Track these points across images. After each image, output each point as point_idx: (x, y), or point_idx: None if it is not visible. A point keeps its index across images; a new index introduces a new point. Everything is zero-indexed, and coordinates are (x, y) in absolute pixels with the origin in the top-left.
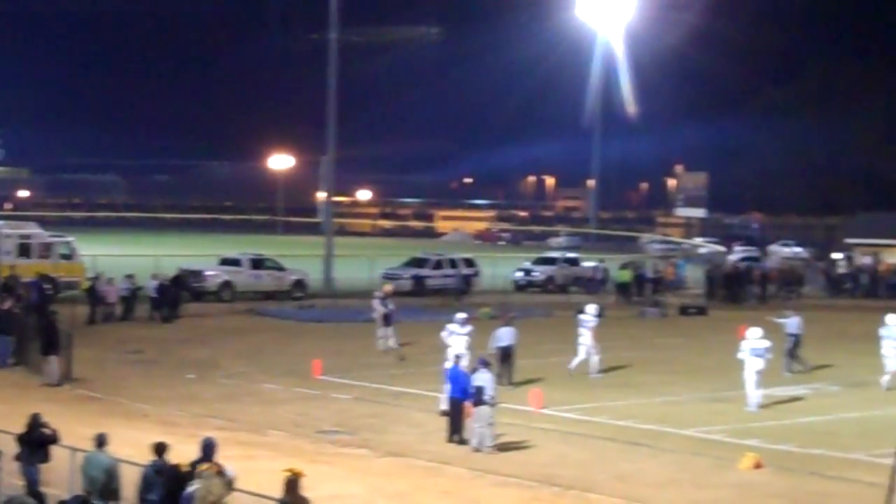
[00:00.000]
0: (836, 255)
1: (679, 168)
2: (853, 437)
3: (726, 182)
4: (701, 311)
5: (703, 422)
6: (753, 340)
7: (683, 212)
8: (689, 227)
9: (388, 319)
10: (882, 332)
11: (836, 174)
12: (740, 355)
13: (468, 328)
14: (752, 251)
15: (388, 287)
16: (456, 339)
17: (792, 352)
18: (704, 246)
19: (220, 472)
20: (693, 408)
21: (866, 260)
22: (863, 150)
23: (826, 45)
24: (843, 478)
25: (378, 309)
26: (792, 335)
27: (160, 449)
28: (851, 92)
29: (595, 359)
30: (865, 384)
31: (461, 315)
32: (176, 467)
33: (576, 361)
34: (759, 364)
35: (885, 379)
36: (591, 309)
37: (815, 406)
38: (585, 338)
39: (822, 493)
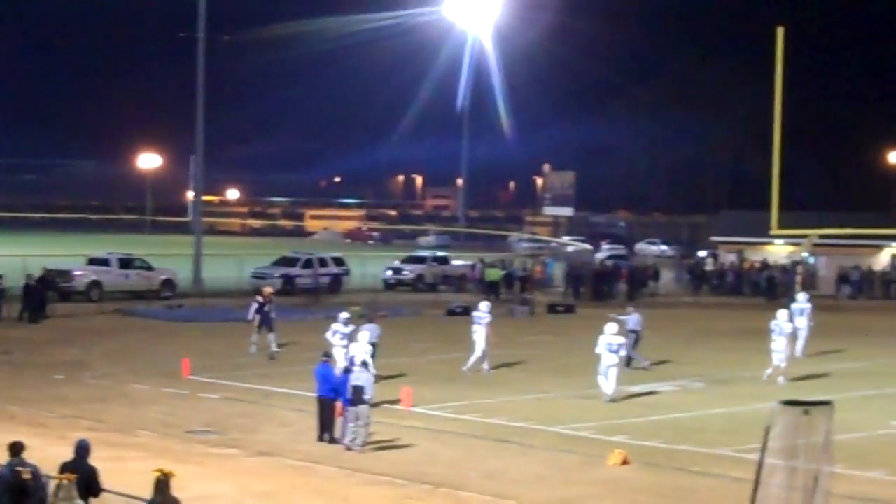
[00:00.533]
0: (701, 253)
1: (547, 167)
2: (719, 433)
3: (593, 181)
4: (569, 308)
5: (572, 419)
6: (609, 336)
7: (551, 210)
8: (557, 226)
9: (267, 324)
10: (772, 325)
11: (702, 173)
12: (597, 350)
13: (352, 328)
14: (619, 249)
15: (268, 290)
16: (363, 335)
17: (632, 348)
18: (572, 244)
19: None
20: (562, 405)
21: (731, 257)
22: (727, 148)
23: (690, 44)
24: (709, 473)
25: (254, 315)
26: (632, 332)
27: (16, 449)
28: (716, 90)
29: (479, 355)
30: (731, 380)
31: (344, 315)
32: (18, 473)
33: (472, 359)
34: (614, 359)
35: (768, 372)
36: (484, 306)
37: (681, 402)
38: (480, 335)
39: (689, 489)
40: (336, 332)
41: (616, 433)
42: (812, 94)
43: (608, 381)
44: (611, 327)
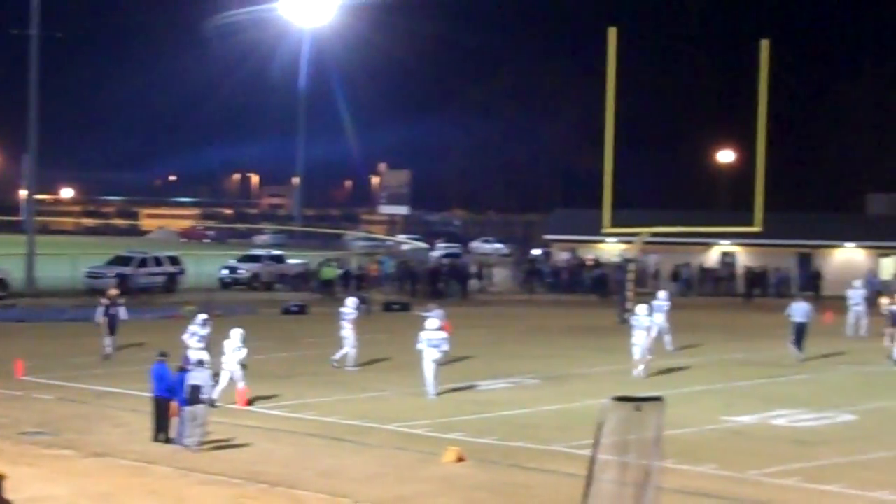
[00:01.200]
0: (535, 252)
1: (382, 166)
2: (552, 430)
3: (429, 179)
4: (404, 307)
5: (407, 417)
6: (430, 332)
7: (387, 209)
8: (393, 224)
9: (112, 326)
10: (632, 321)
11: (535, 171)
12: (419, 346)
13: (209, 329)
14: (454, 248)
15: (113, 291)
16: (235, 333)
17: None
18: (407, 243)
19: None
20: (397, 403)
21: (564, 255)
22: (560, 147)
23: (523, 44)
24: (543, 469)
25: (100, 318)
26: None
27: None
28: (549, 90)
29: (342, 351)
30: (564, 377)
31: (202, 316)
32: None
33: (339, 354)
34: (435, 354)
35: (635, 371)
36: (351, 302)
37: (516, 399)
38: (347, 331)
39: (523, 485)
40: (194, 335)
41: (451, 430)
42: (643, 93)
43: (430, 377)
44: (431, 323)
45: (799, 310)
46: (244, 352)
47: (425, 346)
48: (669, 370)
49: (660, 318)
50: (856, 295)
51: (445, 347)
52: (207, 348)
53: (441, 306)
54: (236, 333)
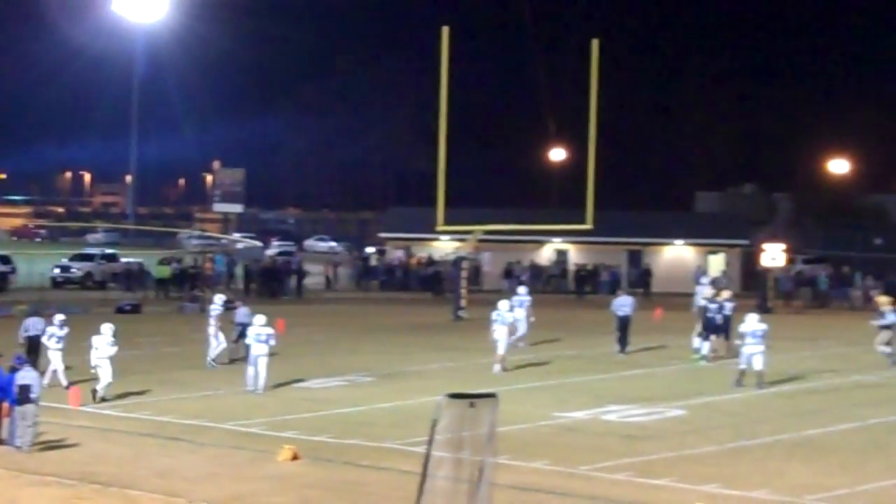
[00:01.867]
0: (369, 249)
1: (216, 164)
2: (387, 427)
3: (263, 178)
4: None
5: (242, 415)
6: (258, 327)
7: (221, 207)
8: (227, 223)
9: None
10: (493, 315)
11: (370, 169)
12: (247, 341)
13: (66, 330)
14: (288, 246)
15: None
16: (106, 328)
17: (237, 340)
18: (242, 241)
19: None
20: (232, 401)
21: (398, 253)
22: (395, 145)
23: (356, 42)
24: (378, 466)
25: None
26: (240, 324)
27: None
28: (382, 88)
29: (212, 349)
30: (399, 375)
31: (60, 316)
32: None
33: (214, 352)
34: (263, 349)
35: (497, 368)
36: (218, 299)
37: (350, 397)
38: (214, 328)
39: (358, 482)
40: (52, 336)
41: (286, 429)
42: (476, 92)
43: (258, 372)
44: (259, 318)
45: (623, 304)
46: (115, 348)
47: (253, 341)
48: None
49: (521, 314)
50: (703, 291)
51: (273, 343)
52: (65, 349)
53: (276, 304)
54: (107, 328)
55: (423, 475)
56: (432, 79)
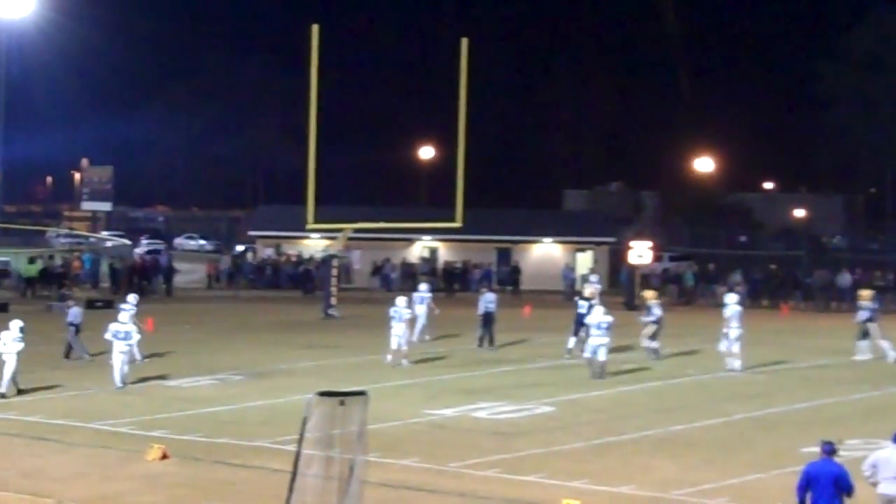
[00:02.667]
0: (239, 247)
1: (85, 162)
2: (257, 425)
3: (132, 176)
4: (108, 304)
5: (111, 415)
6: (118, 324)
7: (89, 205)
8: (96, 221)
9: None
10: (391, 311)
11: (239, 167)
12: (106, 336)
13: None
14: (157, 244)
15: None
16: (14, 324)
17: (74, 339)
18: (111, 239)
19: None
20: (101, 401)
21: (268, 251)
22: (265, 143)
23: (226, 40)
24: (248, 465)
25: None
26: (71, 324)
27: None
28: (252, 86)
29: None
30: (269, 373)
31: None
32: None
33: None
34: (123, 347)
35: (389, 357)
36: (132, 298)
37: (220, 396)
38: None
39: (228, 481)
40: None
41: (155, 428)
42: (346, 90)
43: (116, 368)
44: (122, 315)
45: (487, 301)
46: (21, 344)
47: (113, 339)
48: (366, 365)
49: (421, 310)
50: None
51: (132, 341)
52: None
53: (145, 303)
54: (15, 324)
55: (294, 473)
56: (302, 77)
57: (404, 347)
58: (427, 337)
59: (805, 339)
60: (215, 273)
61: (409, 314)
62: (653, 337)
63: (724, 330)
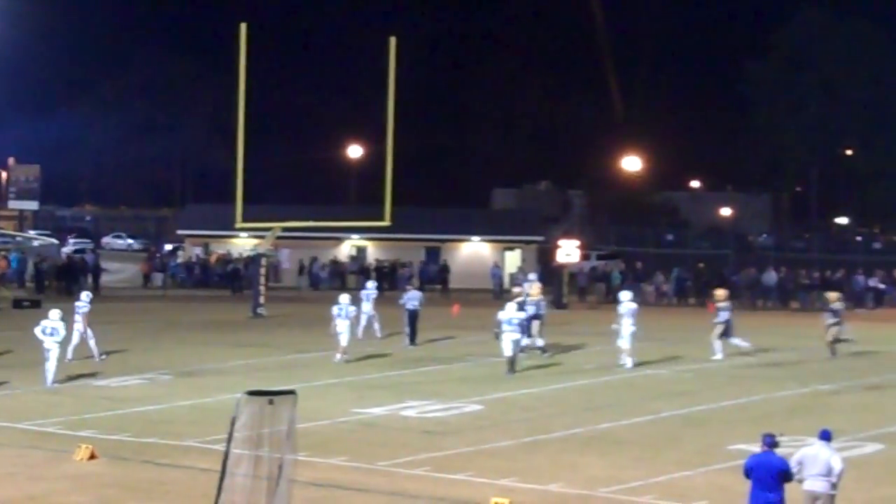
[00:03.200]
0: (168, 246)
1: (11, 160)
2: (186, 425)
3: (59, 175)
4: (35, 303)
5: (39, 414)
6: (48, 321)
7: (16, 204)
8: (23, 220)
9: None
10: (334, 310)
11: (168, 166)
12: (37, 334)
13: None
14: (85, 243)
15: None
16: None
17: None
18: (38, 238)
19: None
20: (28, 400)
21: (197, 250)
22: (194, 142)
23: (155, 38)
24: (177, 465)
25: None
26: None
27: None
28: (181, 85)
29: (92, 342)
30: (198, 372)
31: None
32: None
33: (70, 347)
34: (52, 343)
35: (339, 357)
36: (84, 296)
37: (149, 395)
38: (80, 324)
39: (157, 481)
40: None
41: (83, 428)
42: (274, 89)
43: (50, 366)
44: (53, 313)
45: (411, 298)
46: None
47: (44, 336)
48: (295, 364)
49: (367, 307)
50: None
51: (58, 338)
52: None
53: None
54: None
55: (223, 473)
56: (231, 75)
57: (344, 344)
58: (379, 335)
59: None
60: (149, 272)
61: (353, 311)
62: (724, 335)
63: (615, 326)
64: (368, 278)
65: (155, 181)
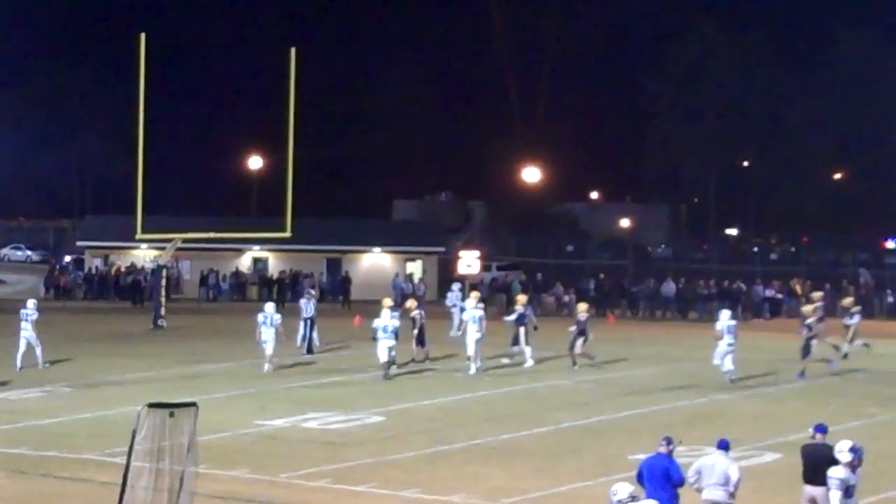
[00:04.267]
0: (67, 258)
1: None
2: (86, 438)
3: None
4: None
5: None
6: None
7: None
8: None
9: None
10: (259, 318)
11: (66, 177)
12: None
13: None
14: None
15: None
16: None
17: None
18: None
19: None
20: None
21: (97, 262)
22: (93, 152)
23: (53, 48)
24: (77, 478)
25: None
26: None
27: None
28: (80, 95)
29: (38, 350)
30: (99, 384)
31: None
32: None
33: (18, 354)
34: None
35: (267, 367)
36: (31, 304)
37: (48, 408)
38: (27, 332)
39: (56, 495)
40: None
41: None
42: (174, 99)
43: None
44: None
45: (307, 306)
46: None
47: None
48: (201, 375)
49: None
50: (452, 297)
51: None
52: None
53: None
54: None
55: (123, 486)
56: (130, 86)
57: (269, 352)
58: (318, 343)
59: (632, 347)
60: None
61: (279, 318)
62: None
63: (454, 334)
64: (269, 289)
65: (54, 192)
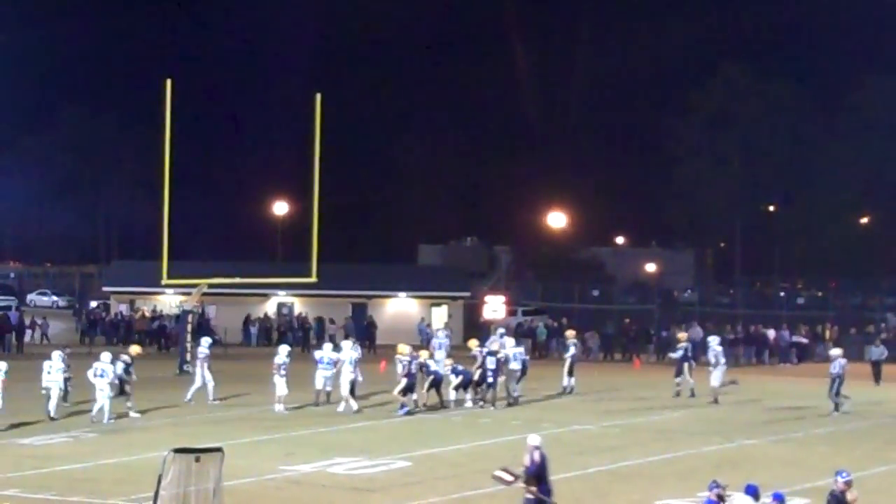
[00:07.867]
0: (94, 303)
1: None
2: (111, 483)
3: None
4: None
5: None
6: None
7: None
8: None
9: None
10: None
11: (93, 222)
12: None
13: None
14: (9, 300)
15: None
16: None
17: None
18: None
19: None
20: None
21: (122, 307)
22: (119, 198)
23: (80, 94)
24: None
25: None
26: None
27: None
28: (107, 141)
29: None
30: (123, 430)
31: None
32: None
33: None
34: None
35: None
36: (105, 356)
37: (74, 454)
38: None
39: None
40: None
41: (8, 487)
42: (199, 145)
43: None
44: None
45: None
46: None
47: None
48: (233, 419)
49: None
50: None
51: None
52: None
53: None
54: (57, 355)
55: None
56: (156, 131)
57: (281, 393)
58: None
59: (658, 391)
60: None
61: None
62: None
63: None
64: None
65: (79, 238)
